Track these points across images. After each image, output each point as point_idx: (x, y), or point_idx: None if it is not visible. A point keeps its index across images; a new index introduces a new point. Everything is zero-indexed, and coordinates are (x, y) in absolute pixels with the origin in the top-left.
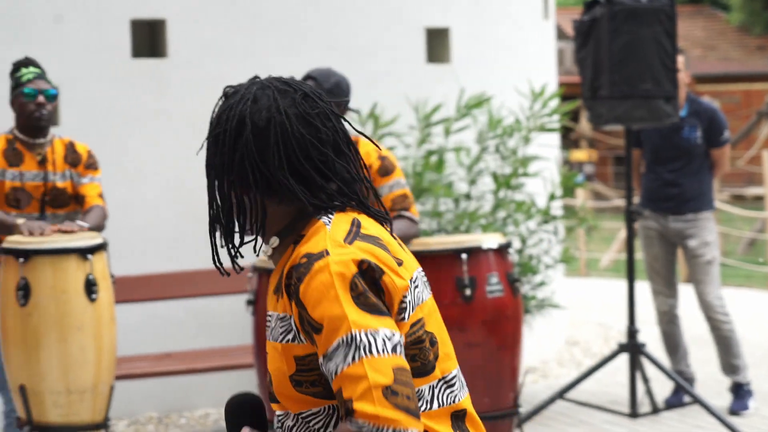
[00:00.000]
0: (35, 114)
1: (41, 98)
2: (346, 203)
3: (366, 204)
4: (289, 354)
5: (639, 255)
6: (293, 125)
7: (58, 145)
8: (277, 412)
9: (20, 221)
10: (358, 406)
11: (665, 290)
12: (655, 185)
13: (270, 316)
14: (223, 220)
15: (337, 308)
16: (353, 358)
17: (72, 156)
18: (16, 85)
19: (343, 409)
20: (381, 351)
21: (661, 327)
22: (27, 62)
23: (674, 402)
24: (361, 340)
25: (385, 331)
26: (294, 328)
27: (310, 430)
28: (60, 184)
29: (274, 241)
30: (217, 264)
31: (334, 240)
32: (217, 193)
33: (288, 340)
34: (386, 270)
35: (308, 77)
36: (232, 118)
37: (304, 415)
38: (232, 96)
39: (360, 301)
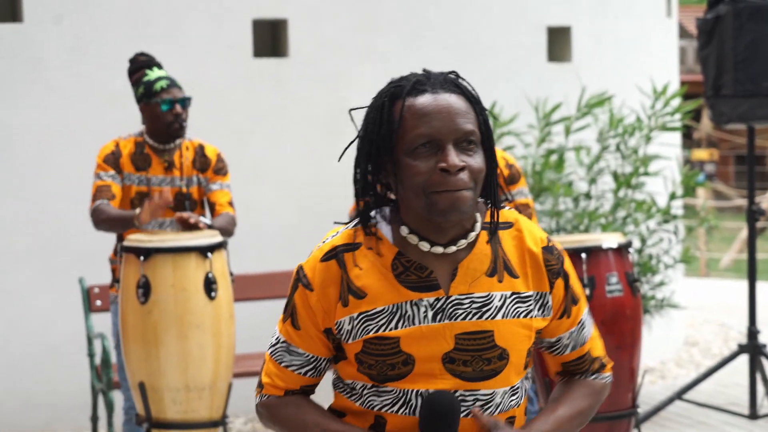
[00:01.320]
0: (174, 125)
1: (178, 108)
2: None
3: None
4: (532, 328)
5: (760, 255)
6: None
7: (188, 149)
8: (483, 391)
9: (137, 211)
10: (607, 361)
11: None
12: None
13: (466, 297)
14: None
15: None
16: (593, 324)
17: (201, 160)
18: (148, 92)
19: (595, 365)
20: None
21: None
22: (148, 62)
23: None
24: None
25: None
26: (547, 302)
27: (511, 403)
28: (185, 189)
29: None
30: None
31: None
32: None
33: (532, 316)
34: None
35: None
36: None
37: (514, 387)
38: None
39: None
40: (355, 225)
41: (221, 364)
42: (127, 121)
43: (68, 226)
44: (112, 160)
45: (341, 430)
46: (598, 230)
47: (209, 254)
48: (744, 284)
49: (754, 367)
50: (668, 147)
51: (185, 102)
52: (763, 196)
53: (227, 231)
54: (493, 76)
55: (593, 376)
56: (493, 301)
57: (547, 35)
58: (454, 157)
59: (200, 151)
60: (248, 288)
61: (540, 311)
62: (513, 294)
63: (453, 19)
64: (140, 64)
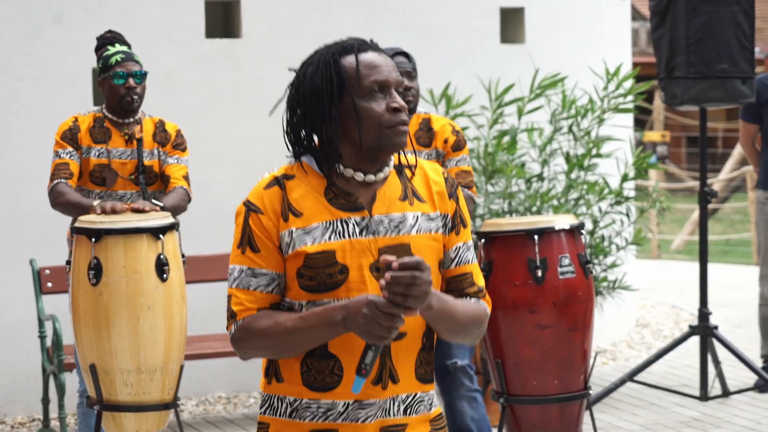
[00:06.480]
0: (126, 98)
1: (131, 81)
2: None
3: None
4: (440, 241)
5: (712, 237)
6: None
7: (148, 124)
8: None
9: (95, 203)
10: (486, 294)
11: None
12: None
13: (386, 217)
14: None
15: None
16: (477, 260)
17: (161, 135)
18: (105, 66)
19: (473, 289)
20: None
21: (761, 311)
22: (113, 38)
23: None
24: None
25: None
26: (448, 222)
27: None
28: (147, 162)
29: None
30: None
31: None
32: None
33: (439, 232)
34: None
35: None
36: None
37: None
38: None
39: None
40: (289, 163)
41: (173, 345)
42: (80, 102)
43: (21, 208)
44: (69, 136)
45: (315, 311)
46: (551, 212)
47: (161, 236)
48: (695, 266)
49: (705, 348)
50: (620, 129)
51: (140, 75)
52: (715, 177)
53: (180, 207)
54: (447, 58)
55: (474, 300)
56: (407, 220)
57: (501, 16)
58: (401, 99)
59: (160, 126)
60: (201, 269)
61: (444, 229)
62: (423, 214)
63: (407, 1)
64: (104, 41)
